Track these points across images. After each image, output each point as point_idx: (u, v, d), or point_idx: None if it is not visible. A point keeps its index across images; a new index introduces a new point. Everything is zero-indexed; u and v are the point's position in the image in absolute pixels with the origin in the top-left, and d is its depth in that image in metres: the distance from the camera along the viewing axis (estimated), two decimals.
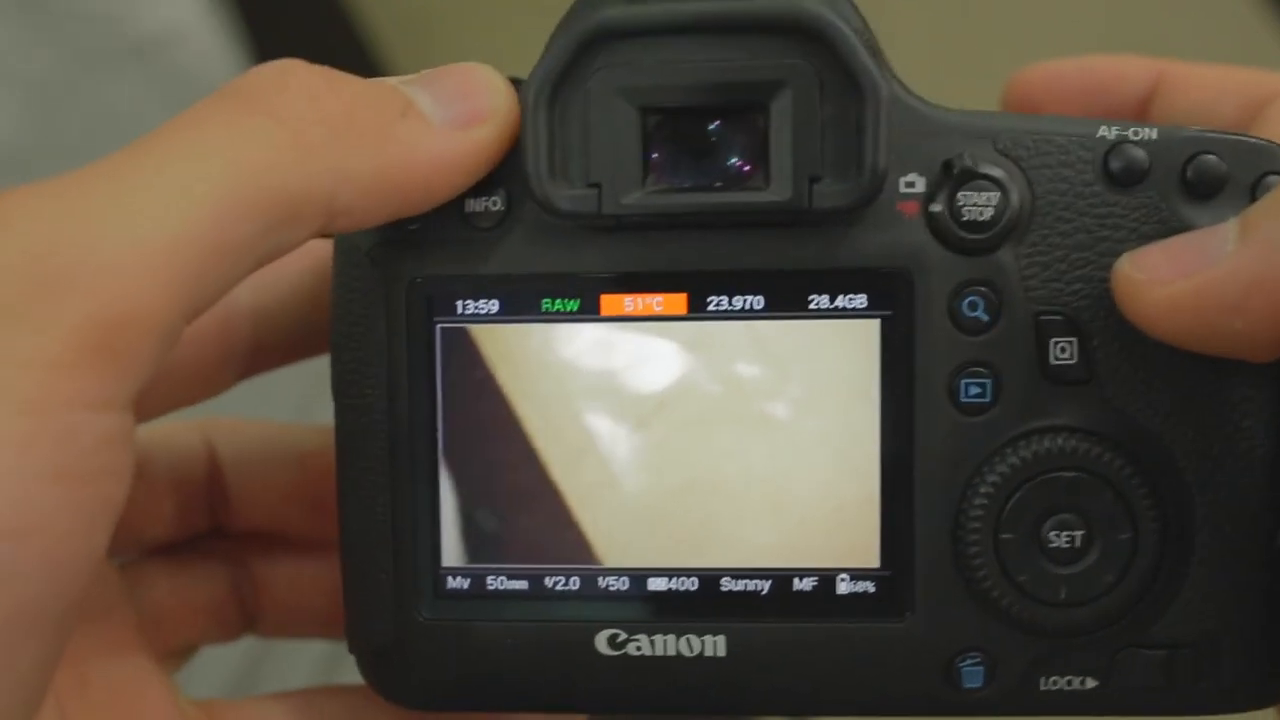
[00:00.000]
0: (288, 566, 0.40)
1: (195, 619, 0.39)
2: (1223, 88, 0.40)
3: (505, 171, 0.34)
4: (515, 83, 0.34)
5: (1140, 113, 0.41)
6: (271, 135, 0.29)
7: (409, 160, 0.31)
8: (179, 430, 0.40)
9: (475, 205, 0.34)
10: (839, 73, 0.32)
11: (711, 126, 0.33)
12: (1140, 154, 0.33)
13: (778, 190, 0.33)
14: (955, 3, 1.17)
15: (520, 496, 0.35)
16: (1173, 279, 0.31)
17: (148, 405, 0.37)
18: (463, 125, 0.32)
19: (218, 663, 0.65)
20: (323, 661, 0.67)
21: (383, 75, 0.33)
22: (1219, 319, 0.30)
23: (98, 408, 0.27)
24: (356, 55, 1.07)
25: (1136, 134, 0.34)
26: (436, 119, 0.32)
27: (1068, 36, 1.16)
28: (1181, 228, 0.33)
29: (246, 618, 0.40)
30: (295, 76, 0.31)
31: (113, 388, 0.28)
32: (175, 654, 0.39)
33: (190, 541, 0.40)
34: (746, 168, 0.33)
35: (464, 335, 0.35)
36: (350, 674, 0.38)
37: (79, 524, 0.28)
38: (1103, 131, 0.34)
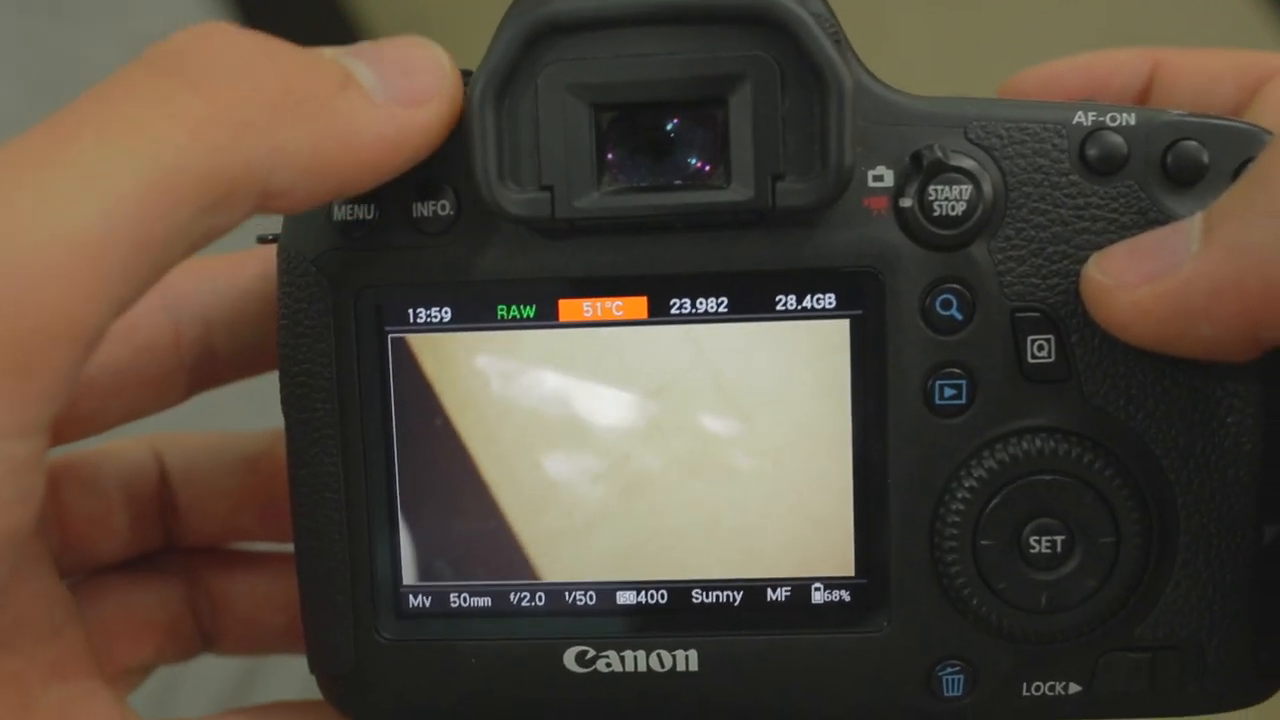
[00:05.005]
0: (244, 581, 0.39)
1: (149, 637, 0.38)
2: (1218, 71, 0.38)
3: (453, 172, 0.32)
4: (464, 74, 0.32)
5: (1140, 104, 0.40)
6: (200, 111, 0.27)
7: (349, 136, 0.29)
8: (127, 445, 0.38)
9: (423, 209, 0.33)
10: (800, 65, 0.31)
11: (668, 124, 0.32)
12: (1118, 140, 0.32)
13: (739, 189, 0.31)
14: (963, 2, 1.16)
15: (479, 512, 0.34)
16: (1137, 283, 0.30)
17: (100, 416, 0.36)
18: (406, 103, 0.30)
19: (216, 670, 0.64)
20: (240, 677, 0.65)
21: None
22: (1186, 324, 0.29)
23: (10, 435, 0.25)
24: None
25: (1114, 119, 0.32)
26: (378, 94, 0.30)
27: (1068, 35, 1.15)
28: (1162, 218, 0.32)
29: (204, 635, 0.39)
30: (225, 42, 0.28)
31: (28, 412, 0.25)
32: (130, 673, 0.38)
33: (144, 558, 0.39)
34: (706, 167, 0.32)
35: (405, 354, 0.33)
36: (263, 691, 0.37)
37: None
38: (1079, 117, 0.32)
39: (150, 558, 0.39)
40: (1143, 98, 0.39)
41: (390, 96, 0.30)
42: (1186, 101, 0.38)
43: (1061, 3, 1.18)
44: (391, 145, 0.30)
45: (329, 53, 0.30)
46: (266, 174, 0.28)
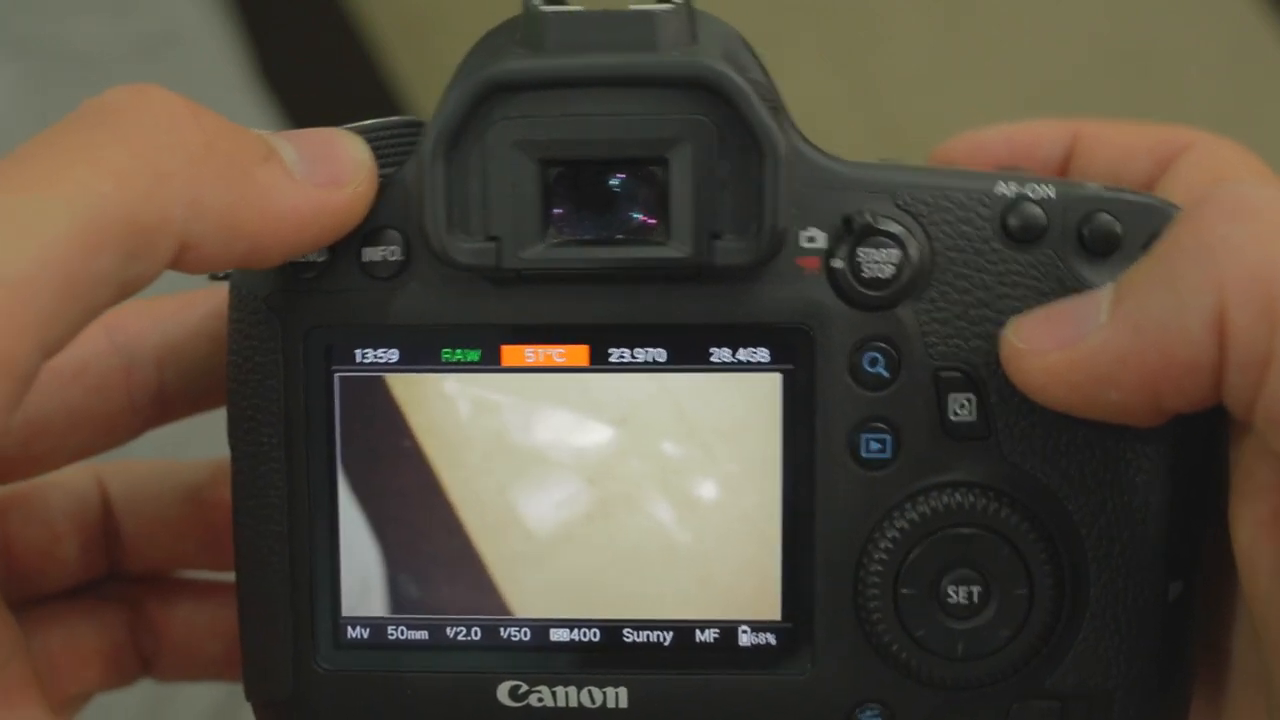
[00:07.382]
0: (184, 609, 0.40)
1: (92, 665, 0.39)
2: (1133, 145, 0.40)
3: (403, 220, 0.33)
4: (417, 125, 0.34)
5: (1060, 174, 0.42)
6: (124, 162, 0.29)
7: (265, 203, 0.31)
8: (72, 475, 0.39)
9: (373, 254, 0.34)
10: (738, 129, 0.32)
11: (612, 180, 0.33)
12: (1037, 212, 0.34)
13: (678, 246, 0.33)
14: (958, 2, 1.15)
15: (423, 545, 0.35)
16: (1050, 349, 0.31)
17: (53, 455, 0.37)
18: (323, 184, 0.32)
19: (117, 707, 0.64)
20: (222, 704, 0.66)
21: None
22: (1094, 390, 0.31)
23: None
24: (356, 55, 1.05)
25: (1034, 191, 0.34)
26: (298, 172, 0.32)
27: (1068, 36, 1.15)
28: (1078, 286, 0.33)
29: (143, 662, 0.40)
30: (155, 100, 0.30)
31: None
32: (70, 701, 0.39)
33: (87, 586, 0.39)
34: (648, 222, 0.33)
35: (375, 383, 0.34)
36: (248, 717, 0.37)
37: None
38: (1001, 188, 0.34)
39: (94, 585, 0.40)
40: (1062, 168, 0.41)
41: (309, 176, 0.32)
42: (1103, 173, 0.40)
43: (1062, 3, 1.18)
44: (305, 220, 0.31)
45: (256, 130, 0.32)
46: (183, 225, 0.29)
